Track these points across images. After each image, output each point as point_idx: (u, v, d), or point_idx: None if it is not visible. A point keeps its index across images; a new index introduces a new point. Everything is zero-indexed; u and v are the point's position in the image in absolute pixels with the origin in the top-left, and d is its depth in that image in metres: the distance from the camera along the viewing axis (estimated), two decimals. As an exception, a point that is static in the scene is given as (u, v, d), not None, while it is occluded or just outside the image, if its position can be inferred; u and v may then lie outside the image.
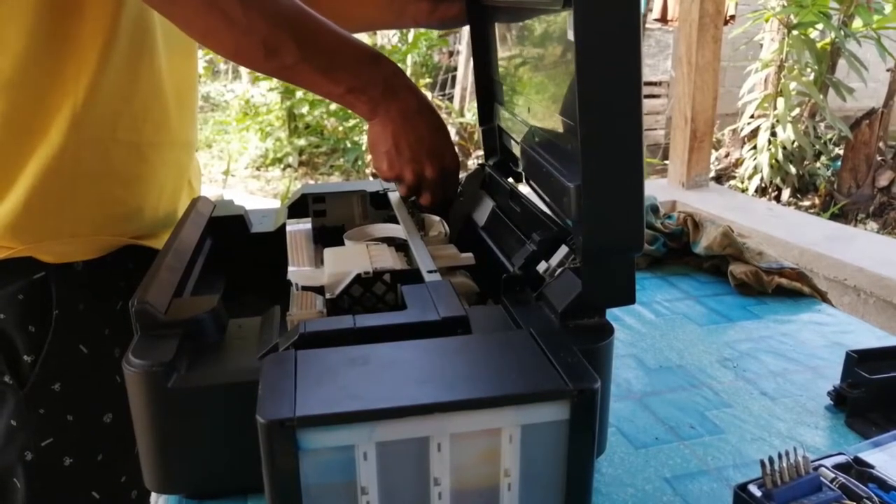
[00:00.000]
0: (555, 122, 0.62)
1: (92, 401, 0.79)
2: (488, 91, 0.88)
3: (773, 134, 4.35)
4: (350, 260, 0.66)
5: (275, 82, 5.82)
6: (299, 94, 5.68)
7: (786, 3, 4.14)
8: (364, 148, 5.32)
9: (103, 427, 0.80)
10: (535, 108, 0.68)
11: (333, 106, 5.58)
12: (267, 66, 0.69)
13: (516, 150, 0.79)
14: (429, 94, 5.16)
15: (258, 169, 5.69)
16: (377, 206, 0.88)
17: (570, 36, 0.50)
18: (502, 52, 0.82)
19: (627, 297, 0.54)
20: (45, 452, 0.77)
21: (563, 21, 0.55)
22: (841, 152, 4.51)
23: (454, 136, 5.03)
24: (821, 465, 0.52)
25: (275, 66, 0.69)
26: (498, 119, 0.86)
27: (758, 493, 0.49)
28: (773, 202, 4.22)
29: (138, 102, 0.77)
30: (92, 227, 0.77)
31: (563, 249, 0.60)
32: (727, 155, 5.05)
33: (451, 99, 5.78)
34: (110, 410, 0.80)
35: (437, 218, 0.83)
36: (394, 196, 0.86)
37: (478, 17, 0.85)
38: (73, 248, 0.76)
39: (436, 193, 0.81)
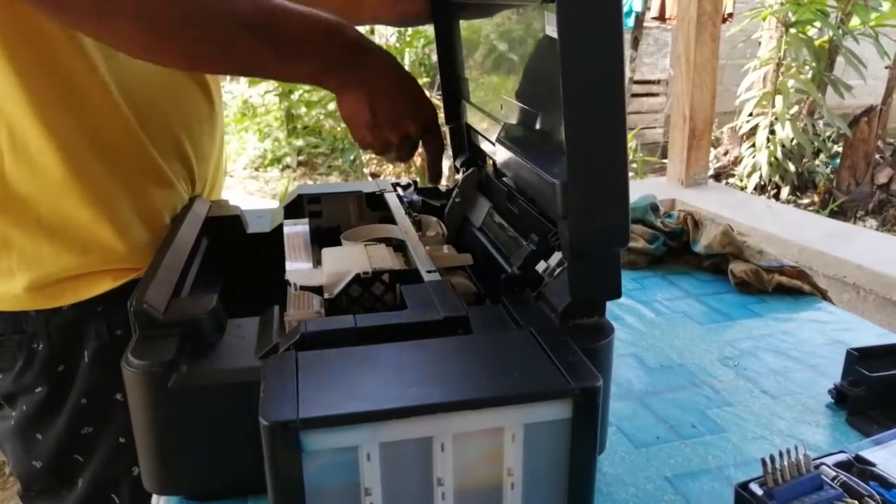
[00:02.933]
0: (532, 119, 0.62)
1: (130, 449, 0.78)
2: (454, 88, 0.87)
3: (772, 132, 4.35)
4: (349, 260, 0.66)
5: (272, 85, 5.82)
6: (296, 95, 5.67)
7: (783, 1, 4.15)
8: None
9: (135, 480, 0.76)
10: (509, 106, 0.68)
11: (331, 106, 5.58)
12: (224, 68, 0.66)
13: (485, 147, 0.79)
14: (428, 94, 5.15)
15: (257, 169, 5.68)
16: (373, 207, 0.88)
17: (550, 32, 0.50)
18: (469, 49, 0.81)
19: (614, 291, 0.54)
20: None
21: (539, 17, 0.55)
22: (840, 150, 4.51)
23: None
24: (822, 464, 0.52)
25: (233, 67, 0.65)
26: (465, 117, 0.86)
27: (759, 492, 0.49)
28: (773, 200, 4.21)
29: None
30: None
31: (563, 249, 0.59)
32: (726, 153, 5.06)
33: (449, 98, 5.77)
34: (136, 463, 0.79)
35: (433, 219, 0.83)
36: (390, 197, 0.86)
37: (442, 14, 0.84)
38: (105, 279, 0.73)
39: (431, 148, 0.79)
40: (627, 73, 5.31)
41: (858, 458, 0.53)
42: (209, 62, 0.64)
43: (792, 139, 4.26)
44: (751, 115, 4.51)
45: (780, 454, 0.50)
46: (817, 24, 4.12)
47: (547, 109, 0.58)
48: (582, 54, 0.47)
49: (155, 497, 0.56)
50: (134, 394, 0.50)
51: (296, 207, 0.85)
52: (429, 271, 0.64)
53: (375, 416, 0.41)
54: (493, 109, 0.74)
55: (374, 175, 5.24)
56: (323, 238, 0.77)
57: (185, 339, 0.53)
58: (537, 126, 0.60)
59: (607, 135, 0.48)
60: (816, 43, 4.19)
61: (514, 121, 0.67)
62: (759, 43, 4.55)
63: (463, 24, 0.81)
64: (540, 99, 0.59)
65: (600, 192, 0.50)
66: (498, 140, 0.67)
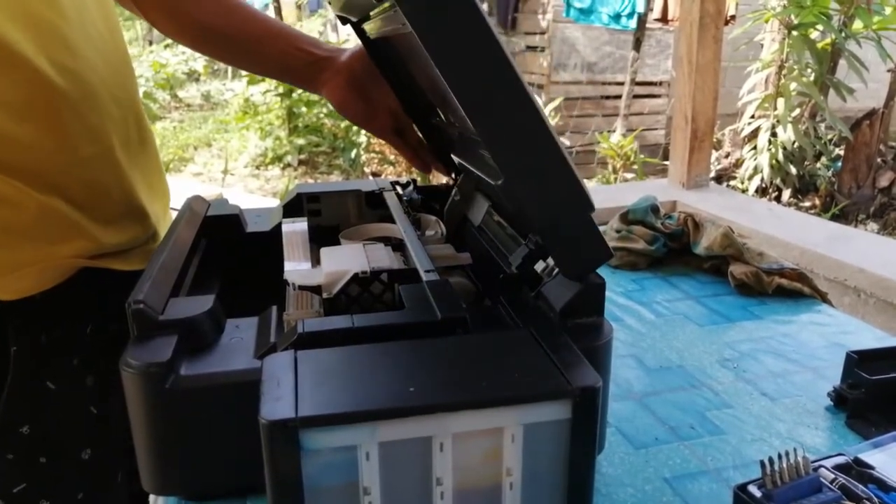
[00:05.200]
0: (466, 127, 0.61)
1: (66, 439, 0.74)
2: (419, 112, 0.88)
3: (774, 134, 4.35)
4: (347, 259, 0.66)
5: (273, 84, 5.82)
6: (296, 94, 5.68)
7: (786, 4, 4.15)
8: (363, 147, 5.32)
9: (81, 464, 0.75)
10: (449, 117, 0.68)
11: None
12: None
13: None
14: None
15: (258, 168, 5.69)
16: (372, 205, 0.88)
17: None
18: (414, 75, 0.81)
19: (603, 255, 0.54)
20: (19, 498, 0.72)
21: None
22: (841, 153, 4.51)
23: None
24: (821, 466, 0.52)
25: None
26: (440, 132, 0.86)
27: (758, 494, 0.49)
28: (774, 203, 4.22)
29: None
30: (44, 253, 0.70)
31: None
32: (727, 155, 5.06)
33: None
34: (87, 446, 0.75)
35: (433, 218, 0.83)
36: (389, 196, 0.86)
37: (377, 55, 0.84)
38: (31, 281, 0.69)
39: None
40: (629, 75, 5.31)
41: (857, 461, 0.53)
42: None
43: (793, 142, 4.26)
44: (752, 117, 4.51)
45: (779, 456, 0.50)
46: (820, 26, 4.12)
47: (461, 112, 0.57)
48: (447, 45, 0.45)
49: (153, 497, 0.56)
50: (131, 394, 0.50)
51: (295, 206, 0.85)
52: (427, 271, 0.64)
53: (374, 415, 0.41)
54: (445, 125, 0.74)
55: (375, 174, 5.25)
56: (322, 237, 0.77)
57: (183, 339, 0.53)
58: (470, 132, 0.60)
59: (516, 111, 0.47)
60: (819, 46, 4.19)
61: (457, 131, 0.66)
62: (762, 45, 4.56)
63: (397, 51, 0.81)
64: (456, 105, 0.59)
65: (539, 172, 0.49)
66: (454, 154, 0.66)
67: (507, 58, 0.46)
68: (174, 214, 0.85)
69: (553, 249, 0.53)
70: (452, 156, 0.67)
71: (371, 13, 0.71)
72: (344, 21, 0.84)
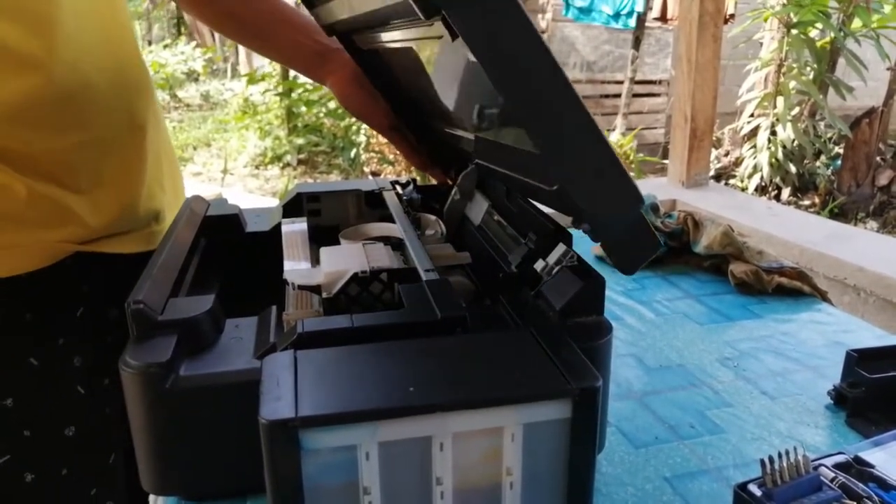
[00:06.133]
0: (498, 131, 0.61)
1: (50, 415, 0.74)
2: (412, 114, 0.87)
3: (773, 133, 4.35)
4: (346, 259, 0.66)
5: (272, 83, 5.82)
6: (296, 94, 5.68)
7: (785, 2, 4.15)
8: (362, 146, 5.31)
9: (65, 441, 0.75)
10: (471, 121, 0.67)
11: (331, 104, 5.59)
12: None
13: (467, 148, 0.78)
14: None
15: (257, 167, 5.69)
16: (372, 205, 0.88)
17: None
18: (411, 81, 0.80)
19: (655, 246, 0.54)
20: (3, 470, 0.73)
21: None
22: (841, 151, 4.52)
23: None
24: (821, 465, 0.52)
25: None
26: (438, 132, 0.86)
27: (758, 493, 0.49)
28: (773, 201, 4.22)
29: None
30: (33, 236, 0.70)
31: (561, 247, 0.59)
32: (727, 154, 5.06)
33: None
34: (72, 423, 0.75)
35: (433, 217, 0.83)
36: (389, 195, 0.86)
37: (366, 64, 0.84)
38: (16, 261, 0.69)
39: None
40: (629, 74, 5.31)
41: (857, 460, 0.53)
42: None
43: (793, 140, 4.26)
44: (752, 115, 4.52)
45: (780, 455, 0.50)
46: (819, 25, 4.12)
47: (506, 115, 0.57)
48: (492, 47, 0.44)
49: (153, 497, 0.56)
50: (131, 394, 0.50)
51: (295, 206, 0.85)
52: (427, 270, 0.63)
53: (374, 414, 0.41)
54: (458, 118, 0.73)
55: (375, 173, 5.25)
56: (322, 237, 0.77)
57: (183, 339, 0.53)
58: (508, 134, 0.59)
59: (569, 114, 0.46)
60: (818, 44, 4.20)
61: (481, 135, 0.66)
62: (761, 44, 4.56)
63: (391, 62, 0.81)
64: (493, 106, 0.58)
65: (595, 174, 0.48)
66: (475, 157, 0.66)
67: (552, 56, 0.46)
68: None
69: (610, 245, 0.53)
70: (477, 161, 0.66)
71: (362, 28, 0.71)
72: (330, 32, 0.83)
